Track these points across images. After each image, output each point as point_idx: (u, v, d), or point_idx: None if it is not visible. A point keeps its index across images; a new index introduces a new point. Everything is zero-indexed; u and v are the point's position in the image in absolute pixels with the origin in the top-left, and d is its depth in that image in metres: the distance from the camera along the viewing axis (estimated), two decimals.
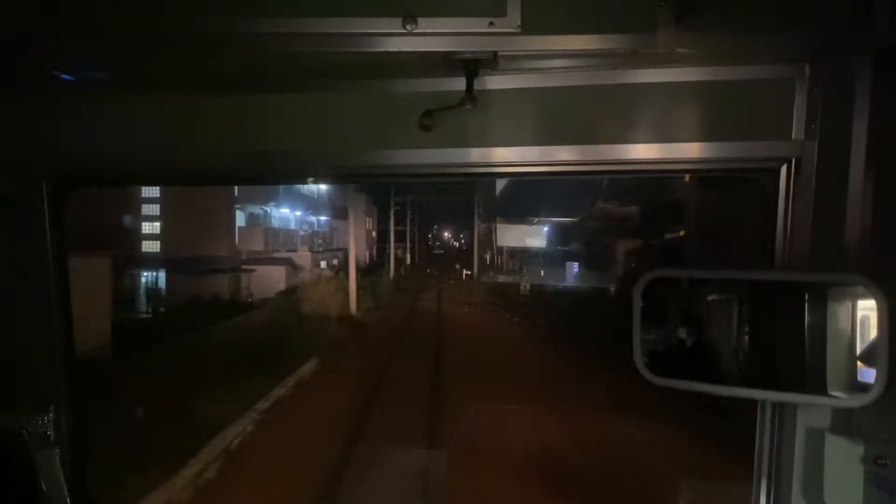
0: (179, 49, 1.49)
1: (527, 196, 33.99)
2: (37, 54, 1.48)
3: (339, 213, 41.41)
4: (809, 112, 1.50)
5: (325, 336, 17.90)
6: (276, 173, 1.92)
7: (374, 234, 50.75)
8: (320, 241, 39.51)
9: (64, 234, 1.77)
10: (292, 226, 38.06)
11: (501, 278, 37.79)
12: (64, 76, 1.57)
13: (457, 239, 74.20)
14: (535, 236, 36.98)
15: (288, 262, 28.81)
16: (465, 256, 51.92)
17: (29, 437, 1.72)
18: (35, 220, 1.71)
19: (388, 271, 39.81)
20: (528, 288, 29.67)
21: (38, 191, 1.70)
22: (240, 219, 31.12)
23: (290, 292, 24.36)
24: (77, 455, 1.81)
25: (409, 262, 52.46)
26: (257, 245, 29.71)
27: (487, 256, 45.96)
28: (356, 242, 45.53)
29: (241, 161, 1.71)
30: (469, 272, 43.07)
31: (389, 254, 42.64)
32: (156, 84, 1.68)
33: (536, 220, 35.46)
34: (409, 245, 53.38)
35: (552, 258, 34.46)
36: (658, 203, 21.10)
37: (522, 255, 39.23)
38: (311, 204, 39.41)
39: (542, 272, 33.89)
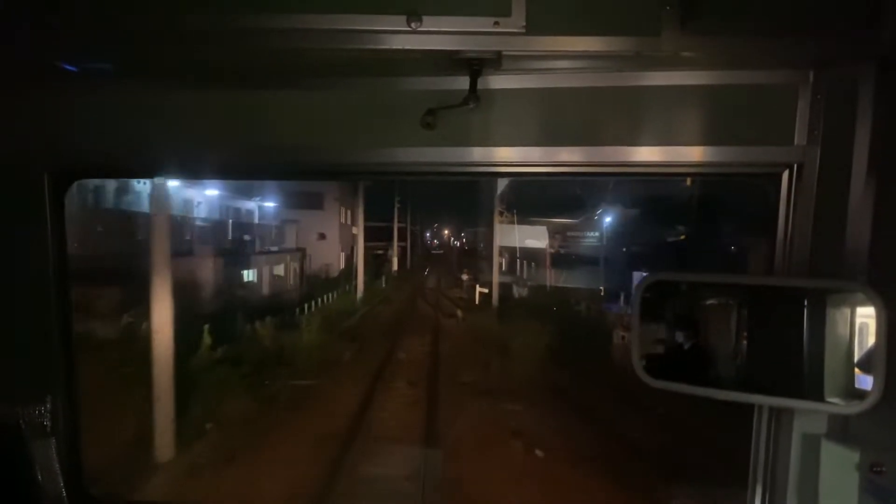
0: (183, 43, 1.51)
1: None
2: (39, 46, 1.50)
3: (298, 200, 28.90)
4: (812, 118, 1.53)
5: None
6: (278, 169, 1.93)
7: (353, 230, 37.91)
8: (253, 238, 25.94)
9: (64, 226, 1.80)
10: (202, 213, 24.51)
11: (542, 297, 24.10)
12: (67, 68, 1.59)
13: (459, 237, 62.57)
14: (586, 232, 28.49)
15: (131, 278, 14.70)
16: (472, 259, 38.98)
17: (26, 428, 1.75)
18: (36, 211, 1.74)
19: (356, 286, 26.17)
20: (627, 339, 15.02)
21: (40, 183, 1.73)
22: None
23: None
24: (73, 445, 1.85)
25: (395, 268, 39.34)
26: (81, 243, 15.86)
27: (504, 260, 32.46)
28: (330, 245, 32.36)
29: (244, 156, 1.75)
30: (486, 289, 26.49)
31: (357, 259, 28.57)
32: (159, 77, 1.70)
33: (598, 212, 27.34)
34: (397, 244, 40.24)
35: (614, 264, 24.81)
36: None
37: (567, 260, 28.36)
38: (244, 183, 26.03)
39: (602, 287, 23.31)
